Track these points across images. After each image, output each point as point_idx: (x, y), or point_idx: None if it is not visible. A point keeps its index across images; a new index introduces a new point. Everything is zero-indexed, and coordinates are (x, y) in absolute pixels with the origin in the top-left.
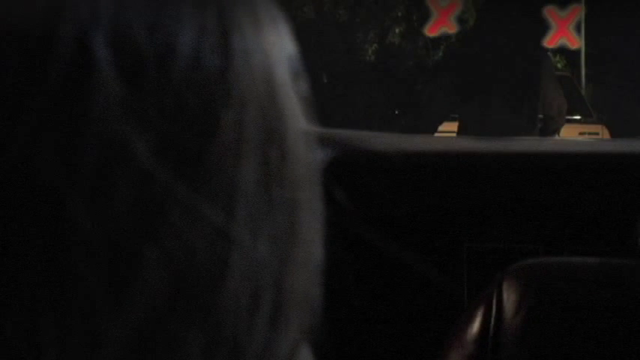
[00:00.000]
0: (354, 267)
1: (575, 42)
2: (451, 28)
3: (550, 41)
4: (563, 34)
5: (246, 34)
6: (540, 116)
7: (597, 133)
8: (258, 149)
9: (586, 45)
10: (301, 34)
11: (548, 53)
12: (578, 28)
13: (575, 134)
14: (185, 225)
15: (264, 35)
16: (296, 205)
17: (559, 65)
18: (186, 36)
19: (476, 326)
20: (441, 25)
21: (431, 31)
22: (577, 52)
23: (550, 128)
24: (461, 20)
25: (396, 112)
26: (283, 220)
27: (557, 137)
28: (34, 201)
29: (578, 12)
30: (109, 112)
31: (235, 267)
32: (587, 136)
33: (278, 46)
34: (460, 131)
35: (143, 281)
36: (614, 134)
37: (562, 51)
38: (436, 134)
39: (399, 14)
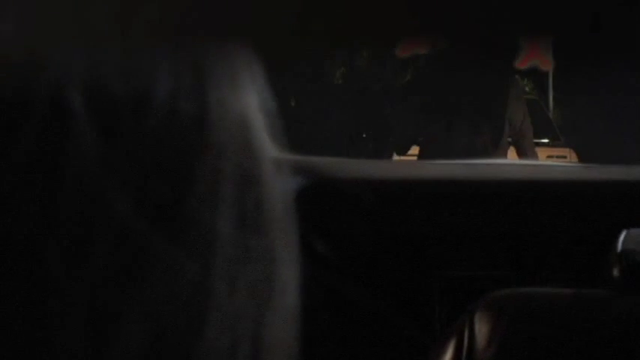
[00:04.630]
0: (328, 313)
1: (547, 62)
2: (423, 49)
3: (521, 63)
4: (535, 55)
5: (221, 81)
6: (509, 139)
7: (565, 157)
8: (235, 197)
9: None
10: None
11: (516, 76)
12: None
13: (543, 157)
14: (164, 278)
15: (240, 81)
16: (273, 253)
17: (527, 89)
18: (161, 87)
19: (448, 358)
20: (413, 47)
21: (403, 52)
22: (545, 75)
23: (518, 151)
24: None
25: (364, 136)
26: (260, 268)
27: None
28: (11, 258)
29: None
30: (86, 167)
31: (213, 319)
32: (555, 159)
33: (253, 91)
34: (421, 154)
35: (121, 336)
36: (582, 157)
37: (530, 74)
38: (405, 157)
39: None
